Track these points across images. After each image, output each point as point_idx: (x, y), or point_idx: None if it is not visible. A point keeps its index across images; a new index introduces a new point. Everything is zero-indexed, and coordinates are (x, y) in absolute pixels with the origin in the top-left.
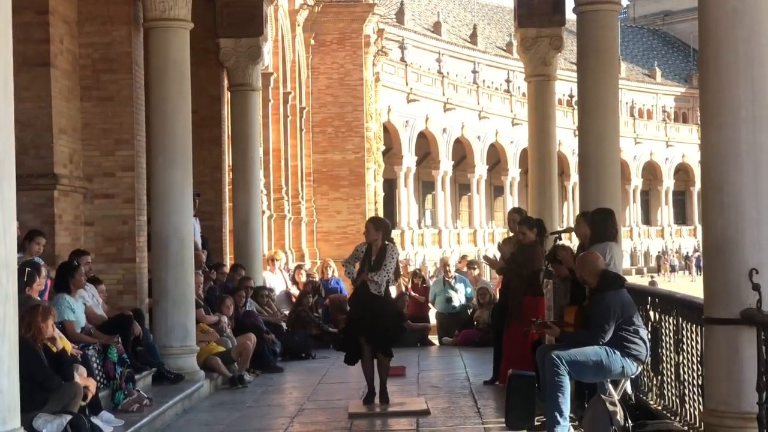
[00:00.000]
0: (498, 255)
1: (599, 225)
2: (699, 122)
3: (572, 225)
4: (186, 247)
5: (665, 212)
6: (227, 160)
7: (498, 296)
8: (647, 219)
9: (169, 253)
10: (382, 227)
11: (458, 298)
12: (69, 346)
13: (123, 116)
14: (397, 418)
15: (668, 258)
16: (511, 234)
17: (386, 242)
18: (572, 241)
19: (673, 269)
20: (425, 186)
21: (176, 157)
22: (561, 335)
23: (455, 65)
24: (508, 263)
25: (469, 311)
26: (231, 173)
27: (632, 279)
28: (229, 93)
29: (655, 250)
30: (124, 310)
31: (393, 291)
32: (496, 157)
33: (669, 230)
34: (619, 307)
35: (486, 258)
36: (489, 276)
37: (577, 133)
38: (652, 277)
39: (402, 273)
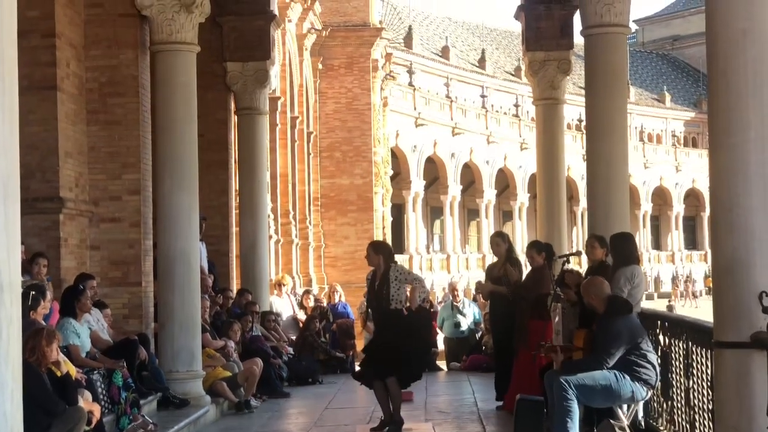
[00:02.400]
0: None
1: (623, 249)
2: (708, 145)
3: (581, 249)
4: (192, 271)
5: (675, 237)
6: (234, 184)
7: (487, 322)
8: (657, 244)
9: (175, 276)
10: (381, 250)
11: (466, 323)
12: (73, 371)
13: (129, 140)
14: None
15: (679, 282)
16: (496, 258)
17: (389, 264)
18: (582, 266)
19: (694, 295)
20: (433, 211)
21: (183, 180)
22: (562, 365)
23: (463, 90)
24: (514, 287)
25: (478, 336)
26: (238, 198)
27: (643, 304)
28: (236, 117)
29: (666, 275)
30: (129, 334)
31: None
32: (504, 182)
33: (679, 255)
34: (627, 333)
35: (478, 284)
36: None
37: (585, 157)
38: (669, 301)
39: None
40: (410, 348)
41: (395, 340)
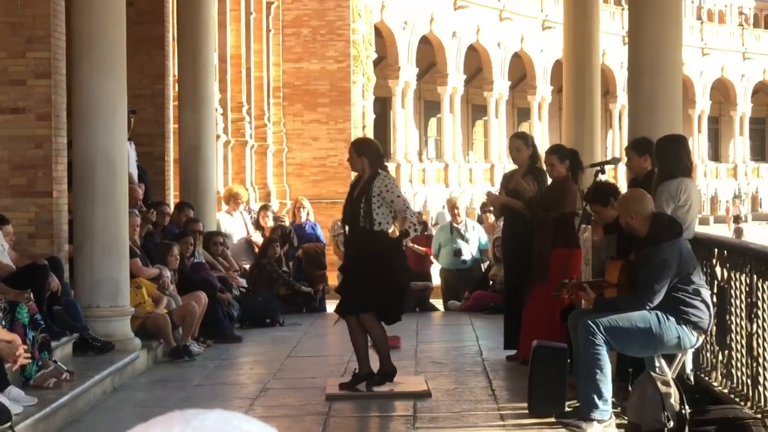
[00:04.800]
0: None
1: (670, 157)
2: None
3: (616, 156)
4: (118, 179)
5: (740, 145)
6: (172, 68)
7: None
8: (716, 154)
9: (96, 185)
10: (365, 151)
11: (469, 251)
12: None
13: (36, 7)
14: (389, 400)
15: (740, 201)
16: (516, 166)
17: (378, 171)
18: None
19: (736, 219)
20: (428, 107)
21: (106, 61)
22: (595, 301)
23: None
24: (529, 205)
25: (484, 267)
26: (177, 85)
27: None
28: None
29: (726, 193)
30: (37, 258)
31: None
32: (520, 71)
33: (744, 168)
34: (675, 262)
35: (489, 194)
36: None
37: (627, 39)
38: (737, 223)
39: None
40: (391, 283)
41: (371, 271)
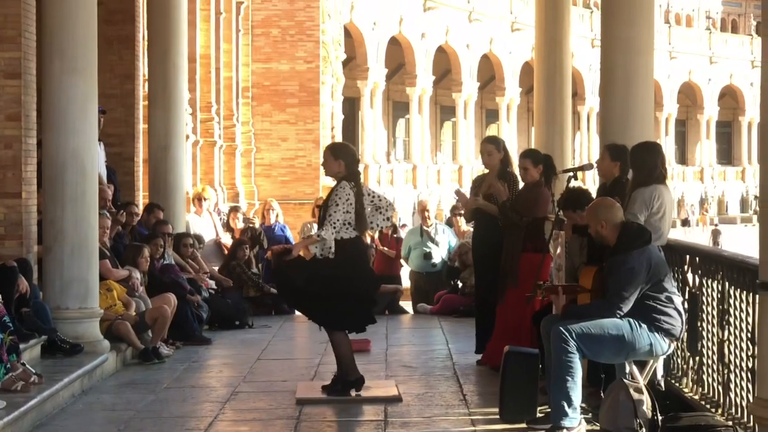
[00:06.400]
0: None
1: (645, 164)
2: (756, 32)
3: (589, 162)
4: (88, 180)
5: (706, 148)
6: (142, 68)
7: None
8: (683, 157)
9: (66, 186)
10: (342, 154)
11: (439, 254)
12: None
13: (7, 6)
14: (359, 405)
15: (708, 205)
16: (486, 171)
17: (348, 176)
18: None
19: (684, 223)
20: (397, 107)
21: (77, 61)
22: (564, 309)
23: None
24: (501, 209)
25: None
26: (147, 85)
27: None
28: None
29: (692, 196)
30: (5, 260)
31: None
32: (489, 72)
33: (710, 171)
34: (645, 270)
35: (458, 193)
36: None
37: (598, 42)
38: (715, 225)
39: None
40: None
41: (330, 283)
